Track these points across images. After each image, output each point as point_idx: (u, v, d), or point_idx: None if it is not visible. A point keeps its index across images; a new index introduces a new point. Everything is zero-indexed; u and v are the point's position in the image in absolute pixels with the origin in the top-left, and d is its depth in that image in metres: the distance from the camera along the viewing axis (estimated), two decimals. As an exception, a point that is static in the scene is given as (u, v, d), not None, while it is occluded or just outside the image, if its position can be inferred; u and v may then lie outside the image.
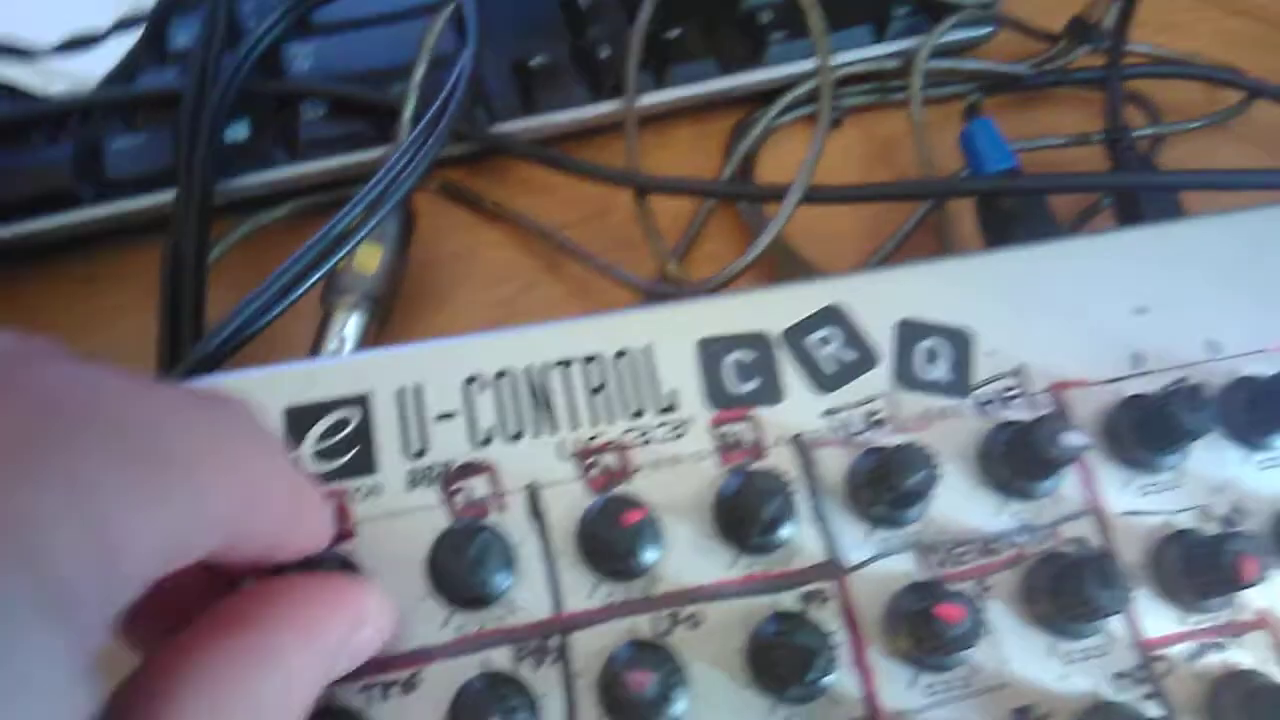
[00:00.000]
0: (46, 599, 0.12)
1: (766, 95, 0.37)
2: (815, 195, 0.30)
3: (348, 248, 0.28)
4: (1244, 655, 0.22)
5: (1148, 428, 0.22)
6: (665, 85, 0.35)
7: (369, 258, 0.31)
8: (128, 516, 0.13)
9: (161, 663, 0.15)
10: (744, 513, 0.22)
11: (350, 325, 0.30)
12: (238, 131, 0.33)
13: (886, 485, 0.21)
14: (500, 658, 0.21)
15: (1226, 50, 0.41)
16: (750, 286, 0.28)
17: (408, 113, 0.32)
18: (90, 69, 0.33)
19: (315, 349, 0.30)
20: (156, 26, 0.35)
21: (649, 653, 0.20)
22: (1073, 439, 0.21)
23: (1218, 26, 0.42)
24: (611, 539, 0.21)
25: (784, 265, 0.33)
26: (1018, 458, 0.22)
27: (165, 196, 0.32)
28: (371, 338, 0.31)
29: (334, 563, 0.21)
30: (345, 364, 0.24)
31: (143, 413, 0.14)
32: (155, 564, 0.13)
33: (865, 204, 0.34)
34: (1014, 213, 0.30)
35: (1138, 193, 0.30)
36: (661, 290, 0.32)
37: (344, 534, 0.22)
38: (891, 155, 0.37)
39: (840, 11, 0.36)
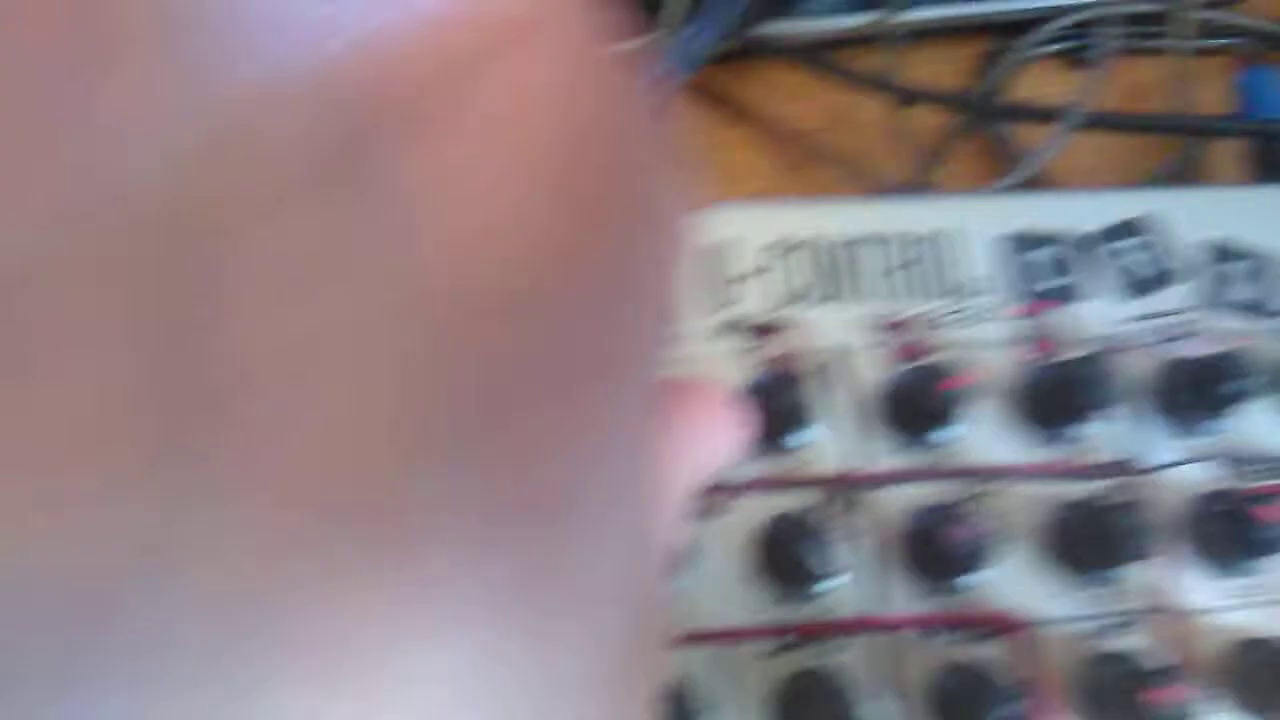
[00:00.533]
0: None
1: (1012, 28, 0.36)
2: (1092, 120, 0.30)
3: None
4: None
5: None
6: (922, 3, 0.35)
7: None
8: None
9: None
10: (1051, 400, 0.22)
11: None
12: None
13: (1207, 387, 0.21)
14: (805, 500, 0.22)
15: None
16: (1068, 188, 0.27)
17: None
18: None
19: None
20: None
21: (961, 514, 0.21)
22: None
23: None
24: (923, 403, 0.21)
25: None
26: (1339, 382, 0.22)
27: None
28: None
29: None
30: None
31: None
32: None
33: (1113, 141, 0.34)
34: (1293, 164, 0.30)
35: None
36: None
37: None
38: (1142, 104, 0.37)
39: (1112, -52, 0.36)
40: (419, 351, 0.07)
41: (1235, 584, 0.21)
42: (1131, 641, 0.21)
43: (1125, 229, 0.24)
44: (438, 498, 0.07)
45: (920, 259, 0.24)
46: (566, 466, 0.08)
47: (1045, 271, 0.24)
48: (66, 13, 0.07)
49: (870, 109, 0.35)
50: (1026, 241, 0.24)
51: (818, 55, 0.34)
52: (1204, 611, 0.21)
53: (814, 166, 0.35)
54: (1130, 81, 0.37)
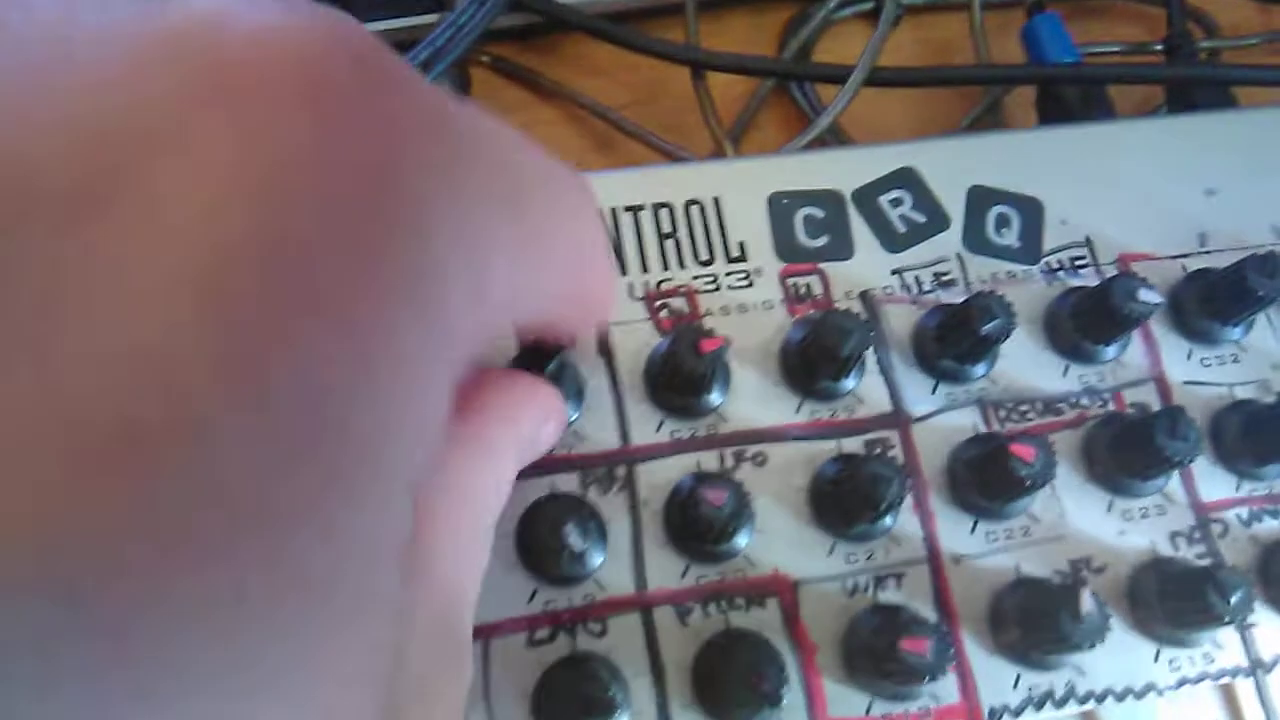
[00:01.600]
0: (434, 341, 0.11)
1: (823, -10, 0.36)
2: (879, 77, 0.30)
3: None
4: (1295, 523, 0.22)
5: (1217, 297, 0.23)
6: (726, -30, 0.35)
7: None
8: (501, 269, 0.12)
9: None
10: (810, 360, 0.22)
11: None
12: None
13: (964, 330, 0.22)
14: (567, 482, 0.21)
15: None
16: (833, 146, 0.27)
17: (468, -23, 0.32)
18: None
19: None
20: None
21: (720, 479, 0.21)
22: (1148, 295, 0.21)
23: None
24: (689, 366, 0.21)
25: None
26: (1086, 321, 0.22)
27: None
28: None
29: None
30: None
31: (509, 144, 0.13)
32: (510, 318, 0.13)
33: (921, 96, 0.34)
34: (1075, 107, 0.30)
35: (1194, 91, 0.30)
36: (715, 172, 0.32)
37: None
38: (947, 58, 0.37)
39: (906, -95, 0.36)
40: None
41: (998, 527, 0.22)
42: (896, 594, 0.21)
43: (889, 182, 0.24)
44: None
45: (688, 224, 0.24)
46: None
47: (815, 229, 0.24)
48: None
49: (679, 81, 0.34)
50: (795, 200, 0.24)
51: (622, 29, 0.34)
52: (969, 556, 0.21)
53: (625, 142, 0.35)
54: (938, 37, 0.38)
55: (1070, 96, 0.30)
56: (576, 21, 0.33)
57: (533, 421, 0.18)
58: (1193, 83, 0.30)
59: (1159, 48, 0.34)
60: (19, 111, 0.08)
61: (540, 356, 0.19)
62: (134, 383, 0.08)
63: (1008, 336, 0.22)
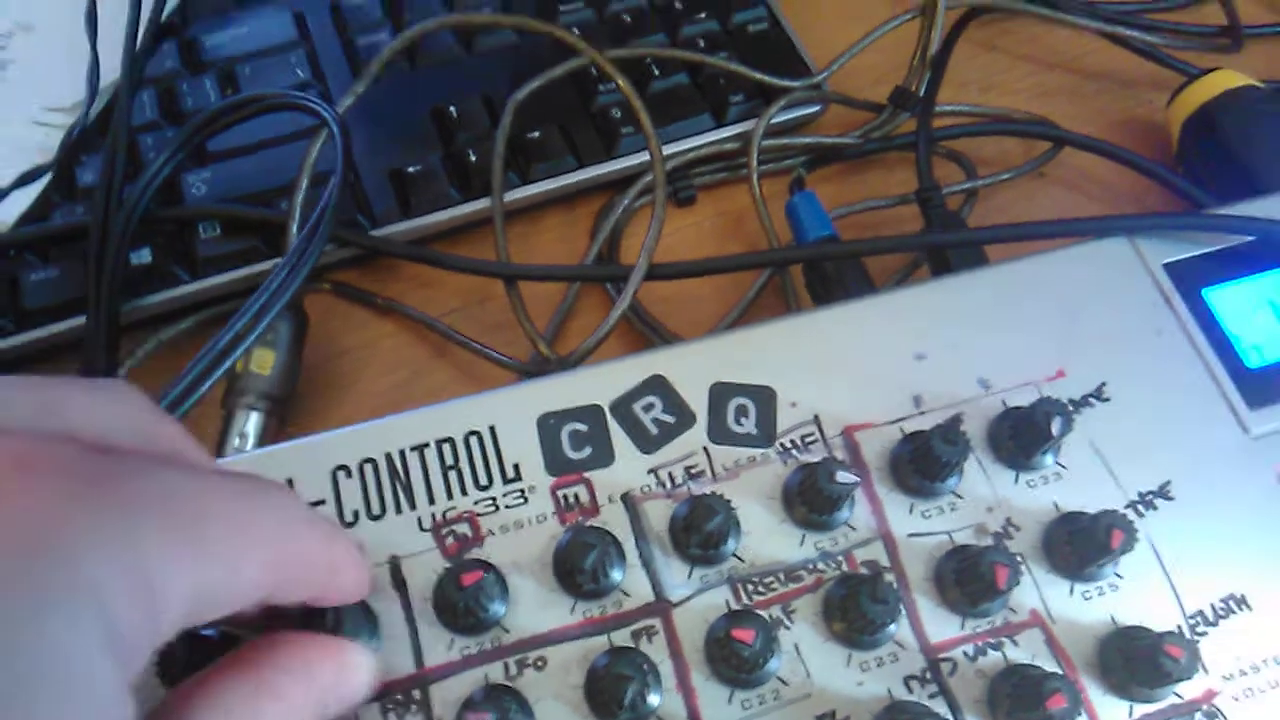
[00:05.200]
0: (101, 628, 0.15)
1: (625, 181, 0.41)
2: (655, 273, 0.34)
3: (238, 352, 0.32)
4: (1018, 652, 0.25)
5: (919, 461, 0.26)
6: (530, 181, 0.39)
7: (264, 359, 0.34)
8: (171, 572, 0.16)
9: (183, 694, 0.19)
10: (571, 564, 0.25)
11: (250, 423, 0.34)
12: (142, 255, 0.37)
13: (694, 531, 0.25)
14: (368, 714, 0.24)
15: (1042, 102, 0.46)
16: (593, 362, 0.31)
17: (294, 226, 0.36)
18: (4, 214, 0.37)
19: (219, 448, 0.34)
20: (65, 166, 0.38)
21: (495, 694, 0.24)
22: (844, 476, 0.25)
23: (1034, 81, 0.47)
24: (455, 599, 0.24)
25: (645, 336, 0.37)
26: (809, 496, 0.26)
27: (79, 321, 0.36)
28: (273, 433, 0.35)
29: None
30: (234, 461, 0.28)
31: (191, 487, 0.17)
32: (191, 613, 0.17)
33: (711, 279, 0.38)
34: (834, 276, 0.34)
35: (941, 249, 0.34)
36: (535, 367, 0.36)
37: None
38: (742, 226, 0.42)
39: (682, 103, 0.41)
40: None
41: (751, 694, 0.25)
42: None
43: (641, 390, 0.28)
44: None
45: (468, 454, 0.27)
46: None
47: (579, 442, 0.27)
48: None
49: (499, 285, 0.39)
50: (561, 418, 0.28)
51: (434, 248, 0.38)
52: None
53: (452, 350, 0.38)
54: (733, 208, 0.42)
55: (829, 268, 0.34)
56: (391, 250, 0.37)
57: (330, 672, 0.21)
58: (921, 248, 0.34)
59: (912, 198, 0.39)
60: None
61: (315, 615, 0.22)
62: None
63: (729, 530, 0.25)
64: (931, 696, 0.25)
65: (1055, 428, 0.26)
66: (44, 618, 0.14)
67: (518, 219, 0.41)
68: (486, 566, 0.25)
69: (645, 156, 0.40)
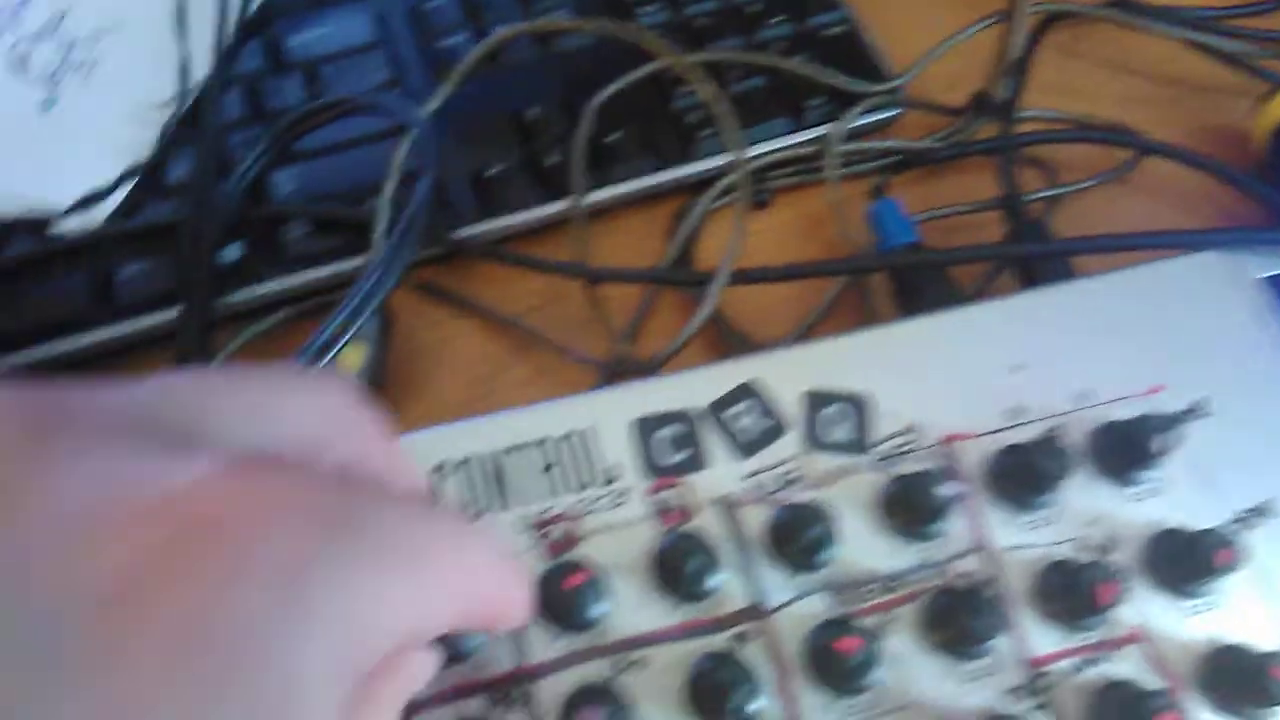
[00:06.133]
0: (333, 666, 0.15)
1: (702, 184, 0.41)
2: (738, 278, 0.34)
3: (333, 353, 0.32)
4: (1120, 667, 0.25)
5: (1020, 474, 0.26)
6: (608, 184, 0.40)
7: (353, 358, 0.35)
8: (390, 615, 0.16)
9: None
10: (673, 567, 0.25)
11: (338, 419, 0.34)
12: (231, 252, 0.37)
13: (792, 538, 0.25)
14: (473, 707, 0.24)
15: (1123, 108, 0.45)
16: (683, 367, 0.31)
17: (381, 226, 0.37)
18: (98, 210, 0.38)
19: (308, 443, 0.34)
20: (154, 166, 0.39)
21: (598, 693, 0.24)
22: (947, 487, 0.25)
23: (1115, 87, 0.46)
24: (559, 599, 0.25)
25: (725, 338, 0.37)
26: (909, 505, 0.26)
27: (170, 314, 0.36)
28: (358, 428, 0.35)
29: None
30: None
31: (412, 529, 0.17)
32: (395, 648, 0.17)
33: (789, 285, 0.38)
34: (919, 283, 0.34)
35: (1029, 259, 0.34)
36: (615, 367, 0.36)
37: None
38: (819, 230, 0.41)
39: (759, 106, 0.41)
40: None
41: (855, 702, 0.25)
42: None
43: (734, 396, 0.28)
44: None
45: (562, 457, 0.28)
46: None
47: (670, 448, 0.28)
48: None
49: (578, 285, 0.39)
50: (651, 423, 0.28)
51: (515, 248, 0.38)
52: (828, 732, 0.24)
53: (532, 348, 0.39)
54: (810, 211, 0.42)
55: (914, 275, 0.34)
56: (478, 250, 0.38)
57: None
58: (1006, 259, 0.34)
59: (996, 204, 0.38)
60: None
61: None
62: None
63: (829, 538, 0.25)
64: (1036, 709, 0.25)
65: (1160, 443, 0.25)
66: (288, 656, 0.15)
67: (595, 220, 0.41)
68: (588, 568, 0.25)
69: (723, 159, 0.40)
